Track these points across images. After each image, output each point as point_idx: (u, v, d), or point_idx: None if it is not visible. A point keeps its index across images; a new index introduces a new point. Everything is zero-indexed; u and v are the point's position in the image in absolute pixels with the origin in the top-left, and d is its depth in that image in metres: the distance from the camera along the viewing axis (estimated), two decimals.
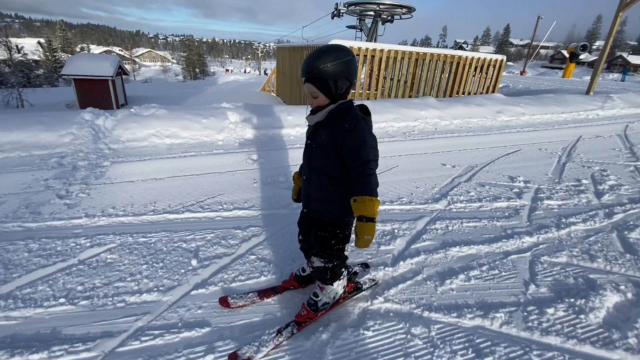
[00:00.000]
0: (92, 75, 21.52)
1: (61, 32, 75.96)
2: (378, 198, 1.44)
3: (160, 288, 2.00)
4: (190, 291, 1.98)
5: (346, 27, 15.04)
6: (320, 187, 1.58)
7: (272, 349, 1.60)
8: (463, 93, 10.51)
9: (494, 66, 10.81)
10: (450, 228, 2.71)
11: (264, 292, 1.94)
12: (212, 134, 4.86)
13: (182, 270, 2.15)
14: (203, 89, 30.08)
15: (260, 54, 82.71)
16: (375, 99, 9.38)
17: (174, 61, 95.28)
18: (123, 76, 24.69)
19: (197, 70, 72.60)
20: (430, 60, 9.82)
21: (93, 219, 2.72)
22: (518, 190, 3.44)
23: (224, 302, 1.85)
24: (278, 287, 1.99)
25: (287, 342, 1.66)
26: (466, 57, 10.26)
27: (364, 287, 1.99)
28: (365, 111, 1.57)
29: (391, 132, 5.42)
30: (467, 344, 1.67)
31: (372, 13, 13.36)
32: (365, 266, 2.19)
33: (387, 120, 5.64)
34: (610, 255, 2.40)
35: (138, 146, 4.48)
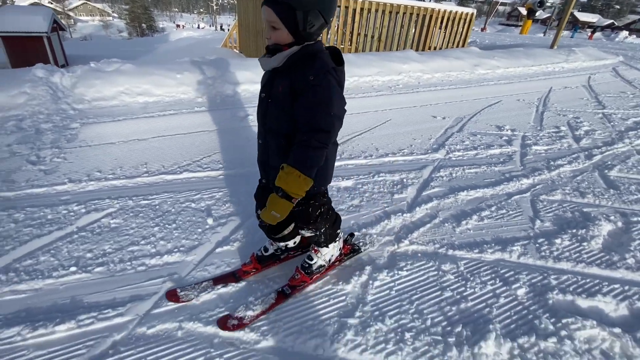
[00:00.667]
0: (23, 32, 18.57)
1: None
2: (311, 179, 1.16)
3: (181, 249, 1.89)
4: (214, 249, 1.90)
5: None
6: (280, 153, 1.25)
7: (265, 311, 1.51)
8: (432, 48, 10.49)
9: (465, 20, 10.80)
10: (454, 175, 2.80)
11: (221, 279, 1.69)
12: (188, 91, 4.46)
13: (199, 230, 2.04)
14: (154, 46, 27.15)
15: (215, 7, 75.66)
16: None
17: (115, 15, 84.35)
18: (60, 32, 21.63)
19: (144, 25, 65.16)
20: (404, 13, 9.56)
21: (80, 184, 2.45)
22: (507, 138, 3.60)
23: (172, 296, 1.58)
24: (237, 271, 1.72)
25: (303, 293, 1.62)
26: (438, 10, 10.11)
27: (362, 248, 1.89)
28: (337, 58, 1.22)
29: (377, 87, 5.33)
30: (493, 275, 1.79)
31: None
32: (351, 235, 1.93)
33: (371, 74, 5.51)
34: (597, 192, 2.64)
35: (107, 105, 4.01)
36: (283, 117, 1.20)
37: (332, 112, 1.14)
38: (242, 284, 1.68)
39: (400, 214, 2.25)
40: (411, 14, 9.70)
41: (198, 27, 66.73)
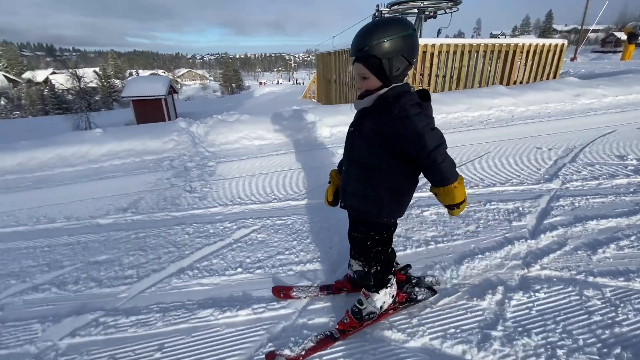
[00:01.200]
0: (147, 96, 23.44)
1: (112, 60, 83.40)
2: (459, 176, 1.26)
3: (318, 259, 2.19)
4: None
5: None
6: (358, 181, 1.38)
7: (308, 352, 1.50)
8: (516, 82, 10.08)
9: (554, 52, 10.29)
10: (577, 204, 2.67)
11: (324, 288, 1.87)
12: (293, 134, 5.14)
13: (329, 246, 2.33)
14: (241, 102, 31.50)
15: (293, 65, 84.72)
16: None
17: (212, 78, 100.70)
18: (173, 94, 26.62)
19: (234, 85, 76.16)
20: (484, 52, 9.57)
21: (227, 207, 3.02)
22: (633, 168, 3.28)
23: (277, 292, 1.85)
24: (332, 286, 1.86)
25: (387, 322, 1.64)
26: (522, 45, 9.88)
27: (418, 296, 1.72)
28: (424, 96, 1.32)
29: (467, 122, 5.38)
30: None
31: (415, 10, 13.36)
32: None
33: (459, 111, 5.60)
34: None
35: (231, 148, 4.86)
36: (366, 151, 1.33)
37: (432, 127, 1.24)
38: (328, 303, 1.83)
39: (523, 240, 2.23)
40: (492, 51, 9.67)
41: (277, 83, 75.30)
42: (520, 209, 2.65)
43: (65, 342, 1.68)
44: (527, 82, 9.87)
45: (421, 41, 9.21)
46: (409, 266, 1.86)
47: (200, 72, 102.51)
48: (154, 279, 2.11)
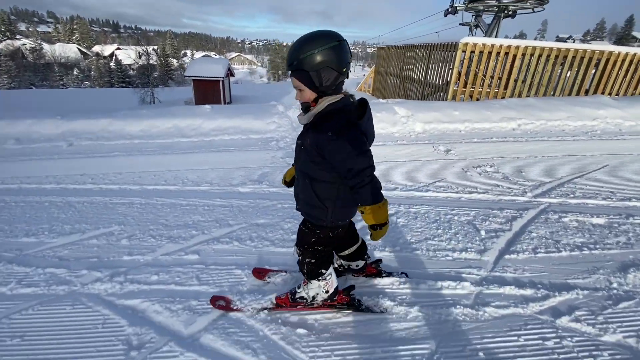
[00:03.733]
0: (207, 77, 24.54)
1: (170, 40, 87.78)
2: (384, 199, 1.35)
3: (471, 250, 2.31)
4: (503, 254, 2.25)
5: (459, 24, 14.61)
6: (305, 190, 1.49)
7: (251, 310, 1.76)
8: (610, 94, 9.36)
9: None
10: None
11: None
12: (386, 127, 5.25)
13: (477, 238, 2.44)
14: (288, 89, 31.94)
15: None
16: (503, 98, 8.90)
17: (259, 64, 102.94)
18: (229, 77, 27.63)
19: (280, 72, 77.41)
20: (573, 57, 8.97)
21: None
22: None
23: (257, 273, 2.03)
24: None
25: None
26: (618, 53, 9.14)
27: (363, 306, 1.79)
28: (361, 108, 1.41)
29: (569, 131, 5.17)
30: None
31: (494, 8, 12.73)
32: (405, 275, 1.99)
33: (560, 119, 5.39)
34: None
35: None
36: (309, 163, 1.43)
37: (359, 151, 1.30)
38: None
39: None
40: (582, 57, 9.04)
41: None
42: None
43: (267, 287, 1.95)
44: (624, 95, 9.15)
45: (505, 42, 8.81)
46: (380, 260, 2.03)
47: (249, 57, 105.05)
48: None
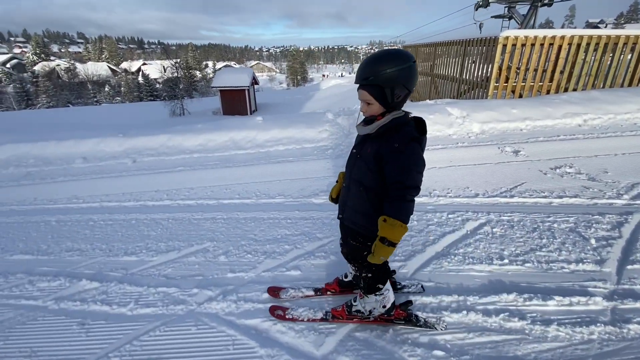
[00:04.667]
0: (233, 86, 25.10)
1: (192, 52, 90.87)
2: (407, 225, 1.36)
3: (586, 261, 2.16)
4: (623, 264, 2.10)
5: (491, 17, 14.13)
6: (358, 198, 1.51)
7: (305, 320, 1.81)
8: None
9: None
10: None
11: (316, 290, 2.05)
12: (442, 129, 5.11)
13: (588, 247, 2.30)
14: (309, 94, 31.97)
15: (361, 56, 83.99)
16: (552, 92, 8.46)
17: (277, 70, 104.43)
18: (254, 85, 28.15)
19: (299, 77, 78.12)
20: (625, 44, 8.42)
21: (431, 198, 3.13)
22: None
23: (272, 292, 2.04)
24: (322, 289, 2.04)
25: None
26: None
27: (419, 322, 1.74)
28: (421, 128, 1.41)
29: None
30: None
31: None
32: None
33: (630, 112, 5.05)
34: None
35: None
36: (366, 172, 1.44)
37: (418, 170, 1.35)
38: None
39: None
40: (634, 44, 8.47)
41: (341, 76, 75.40)
42: None
43: None
44: None
45: (549, 33, 8.38)
46: (394, 272, 1.98)
47: (267, 64, 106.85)
48: (420, 259, 2.28)
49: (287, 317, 1.84)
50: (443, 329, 1.72)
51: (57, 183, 4.43)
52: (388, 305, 1.70)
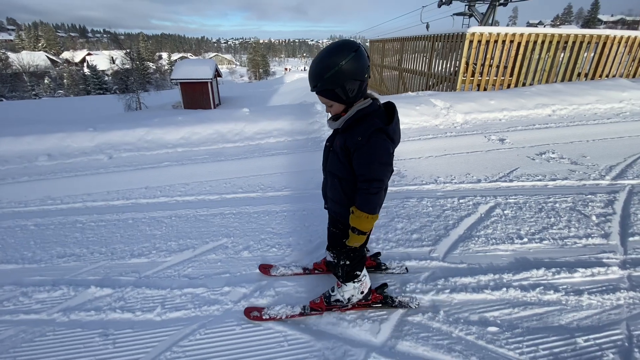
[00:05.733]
0: (195, 78, 23.85)
1: (143, 42, 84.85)
2: (377, 214, 1.41)
3: (593, 235, 2.36)
4: (625, 236, 2.32)
5: (453, 15, 14.86)
6: (334, 189, 1.55)
7: (284, 318, 1.76)
8: (607, 76, 9.76)
9: None
10: None
11: (304, 269, 2.12)
12: (429, 120, 5.28)
13: (591, 223, 2.50)
14: (274, 87, 31.45)
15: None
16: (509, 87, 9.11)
17: (237, 63, 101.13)
18: (217, 78, 26.97)
19: (261, 70, 76.36)
20: (573, 42, 9.29)
21: (438, 184, 3.23)
22: None
23: (263, 269, 2.12)
24: (310, 269, 2.11)
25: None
26: (614, 37, 9.53)
27: (396, 302, 1.80)
28: (389, 113, 1.41)
29: (601, 114, 5.37)
30: None
31: None
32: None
33: (590, 103, 5.59)
34: None
35: None
36: (338, 164, 1.48)
37: (382, 162, 1.35)
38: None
39: None
40: (581, 42, 9.37)
41: (304, 70, 74.88)
42: None
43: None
44: (621, 77, 9.54)
45: (510, 30, 8.96)
46: (379, 254, 2.07)
47: (227, 56, 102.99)
48: (446, 243, 2.34)
49: (263, 317, 1.76)
50: (416, 306, 1.79)
51: (20, 183, 3.91)
52: (366, 291, 1.76)
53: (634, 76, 10.04)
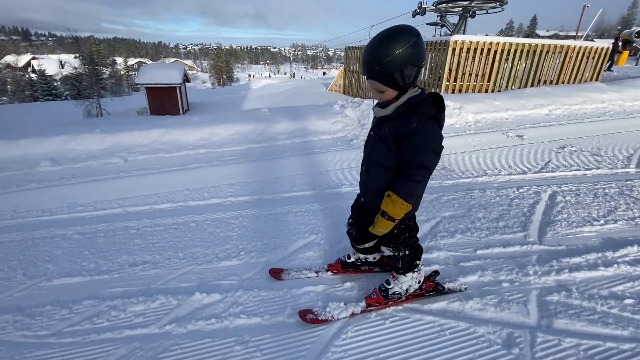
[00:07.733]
0: (162, 83, 22.68)
1: (95, 46, 79.20)
2: (412, 203, 1.38)
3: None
4: None
5: (427, 24, 15.69)
6: (378, 179, 1.48)
7: (343, 318, 1.67)
8: (569, 81, 10.83)
9: (600, 54, 11.15)
10: None
11: (317, 272, 2.00)
12: (445, 119, 5.47)
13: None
14: (240, 93, 30.79)
15: (291, 57, 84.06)
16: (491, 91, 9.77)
17: (199, 69, 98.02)
18: (186, 83, 25.87)
19: (225, 76, 74.60)
20: (544, 52, 10.21)
21: (490, 177, 3.36)
22: None
23: (274, 273, 1.99)
24: (325, 271, 2.00)
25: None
26: (575, 47, 10.64)
27: (446, 288, 1.81)
28: (439, 104, 1.40)
29: (589, 113, 5.94)
30: None
31: (459, 9, 13.91)
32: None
33: (578, 103, 6.16)
34: None
35: None
36: (385, 152, 1.42)
37: (433, 150, 1.34)
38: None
39: None
40: (548, 51, 10.34)
41: (269, 76, 74.38)
42: None
43: None
44: (574, 83, 10.59)
45: (487, 39, 9.66)
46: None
47: (187, 62, 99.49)
48: (535, 228, 2.44)
49: (319, 319, 1.65)
50: (464, 289, 1.82)
51: (30, 191, 3.46)
52: (422, 280, 1.72)
53: (591, 80, 11.26)
